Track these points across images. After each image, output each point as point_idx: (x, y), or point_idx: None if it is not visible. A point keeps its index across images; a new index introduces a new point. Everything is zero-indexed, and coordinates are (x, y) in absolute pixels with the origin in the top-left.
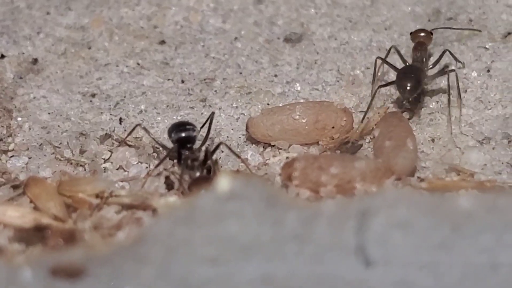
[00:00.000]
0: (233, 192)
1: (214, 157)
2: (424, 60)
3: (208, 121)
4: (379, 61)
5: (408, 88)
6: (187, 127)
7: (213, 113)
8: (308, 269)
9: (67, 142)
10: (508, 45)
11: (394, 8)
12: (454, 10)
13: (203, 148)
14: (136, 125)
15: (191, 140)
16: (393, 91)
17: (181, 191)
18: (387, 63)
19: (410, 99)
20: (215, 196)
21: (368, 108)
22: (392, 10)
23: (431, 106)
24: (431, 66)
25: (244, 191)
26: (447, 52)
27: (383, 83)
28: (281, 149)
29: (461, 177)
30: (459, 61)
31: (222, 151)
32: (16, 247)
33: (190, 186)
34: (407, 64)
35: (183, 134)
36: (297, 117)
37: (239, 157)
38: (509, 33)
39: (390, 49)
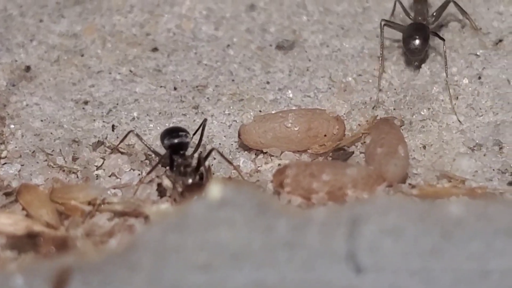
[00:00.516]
0: (225, 199)
1: (206, 163)
2: (426, 11)
3: (201, 128)
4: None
5: (416, 49)
6: (180, 133)
7: (205, 120)
8: (299, 275)
9: (60, 149)
10: (499, 52)
11: (386, 15)
12: (446, 17)
13: (196, 154)
14: (129, 132)
15: (183, 146)
16: (384, 98)
17: (173, 198)
18: (392, 23)
19: (419, 59)
20: (206, 203)
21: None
22: (383, 17)
23: (422, 113)
24: (433, 18)
25: (235, 198)
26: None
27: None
28: (273, 156)
29: (452, 184)
30: (465, 12)
31: (215, 158)
32: (8, 254)
33: (183, 193)
34: (411, 21)
35: (176, 140)
36: (290, 125)
37: (231, 163)
38: (500, 40)
39: (395, 4)
